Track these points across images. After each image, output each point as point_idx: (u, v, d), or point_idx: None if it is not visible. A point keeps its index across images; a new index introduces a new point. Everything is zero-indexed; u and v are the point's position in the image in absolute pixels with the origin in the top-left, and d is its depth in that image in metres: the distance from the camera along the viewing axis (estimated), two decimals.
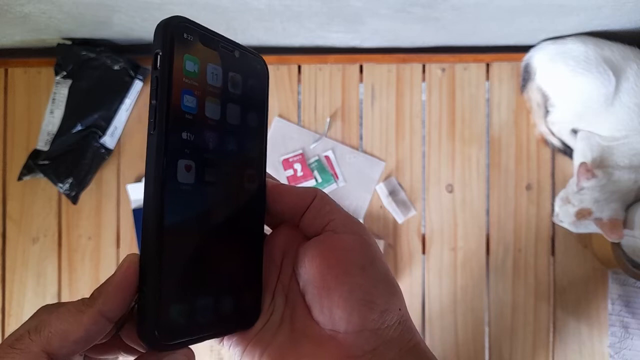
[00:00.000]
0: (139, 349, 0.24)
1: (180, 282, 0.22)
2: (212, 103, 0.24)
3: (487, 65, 0.81)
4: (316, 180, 0.80)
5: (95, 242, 0.81)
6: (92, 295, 0.22)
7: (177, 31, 0.22)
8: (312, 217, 0.26)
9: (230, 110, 0.25)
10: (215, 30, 0.24)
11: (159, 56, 0.22)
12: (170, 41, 0.22)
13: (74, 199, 0.78)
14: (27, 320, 0.22)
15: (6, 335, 0.79)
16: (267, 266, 0.27)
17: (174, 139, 0.22)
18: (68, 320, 0.21)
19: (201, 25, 0.24)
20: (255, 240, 0.26)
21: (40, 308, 0.23)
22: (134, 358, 0.24)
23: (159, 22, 0.22)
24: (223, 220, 0.24)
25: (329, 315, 0.24)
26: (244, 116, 0.26)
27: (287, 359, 0.24)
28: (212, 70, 0.24)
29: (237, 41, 0.25)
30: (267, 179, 0.27)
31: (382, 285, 0.25)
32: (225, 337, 0.27)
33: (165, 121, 0.22)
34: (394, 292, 0.25)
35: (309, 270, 0.25)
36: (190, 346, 0.24)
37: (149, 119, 0.22)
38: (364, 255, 0.25)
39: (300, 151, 0.81)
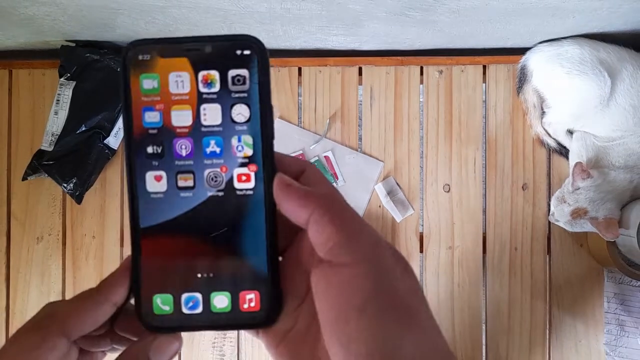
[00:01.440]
0: (130, 338, 0.26)
1: (162, 276, 0.25)
2: (180, 111, 0.24)
3: (484, 67, 0.82)
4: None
5: (99, 241, 0.82)
6: (99, 285, 0.25)
7: (130, 56, 0.24)
8: (312, 239, 0.24)
9: (206, 112, 0.24)
10: (183, 36, 0.25)
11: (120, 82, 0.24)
12: (124, 68, 0.24)
13: (78, 199, 0.79)
14: (34, 315, 0.25)
15: (11, 334, 0.80)
16: (295, 270, 0.25)
17: (140, 155, 0.24)
18: (80, 304, 0.24)
19: (163, 39, 0.24)
20: (260, 239, 0.25)
21: (45, 305, 0.25)
22: (123, 347, 0.26)
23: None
24: (211, 221, 0.25)
25: (331, 354, 0.22)
26: (227, 113, 0.25)
27: None
28: (175, 79, 0.24)
29: (220, 34, 0.25)
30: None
31: (387, 324, 0.21)
32: (259, 334, 0.26)
33: (127, 141, 0.24)
34: (405, 332, 0.21)
35: (315, 300, 0.23)
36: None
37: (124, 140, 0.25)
38: (364, 291, 0.21)
39: (301, 151, 0.82)
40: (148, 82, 0.24)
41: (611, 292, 0.79)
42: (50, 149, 0.79)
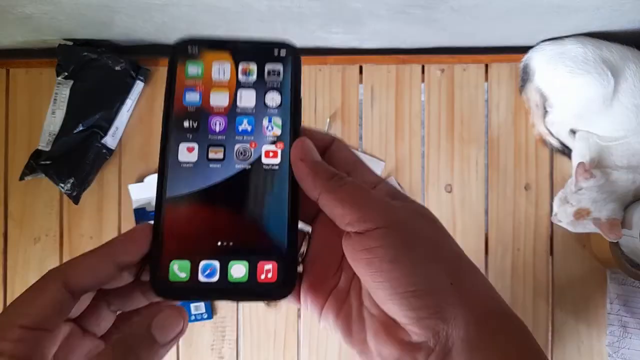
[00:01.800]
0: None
1: (182, 243, 0.25)
2: (218, 93, 0.27)
3: (486, 66, 0.81)
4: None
5: (96, 241, 0.81)
6: (106, 243, 0.25)
7: (179, 46, 0.28)
8: (327, 213, 0.26)
9: (242, 95, 0.27)
10: (233, 35, 0.28)
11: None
12: (172, 55, 0.28)
13: (76, 199, 0.78)
14: None
15: None
16: (330, 235, 0.27)
17: (176, 128, 0.27)
18: (82, 259, 0.24)
19: (212, 37, 0.28)
20: (282, 212, 0.26)
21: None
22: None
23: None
24: (237, 193, 0.26)
25: (384, 307, 0.24)
26: (261, 97, 0.28)
27: (356, 332, 0.25)
28: (217, 67, 0.28)
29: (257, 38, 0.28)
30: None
31: (422, 266, 0.23)
32: (301, 302, 0.27)
33: (166, 115, 0.27)
34: (440, 266, 0.24)
35: (353, 268, 0.25)
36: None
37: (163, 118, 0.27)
38: (392, 247, 0.23)
39: None
40: (193, 68, 0.28)
41: (614, 293, 0.79)
42: (48, 148, 0.78)
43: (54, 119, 0.79)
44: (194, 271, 0.25)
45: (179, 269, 0.25)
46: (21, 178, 0.79)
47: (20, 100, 0.82)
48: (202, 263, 0.25)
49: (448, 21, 0.69)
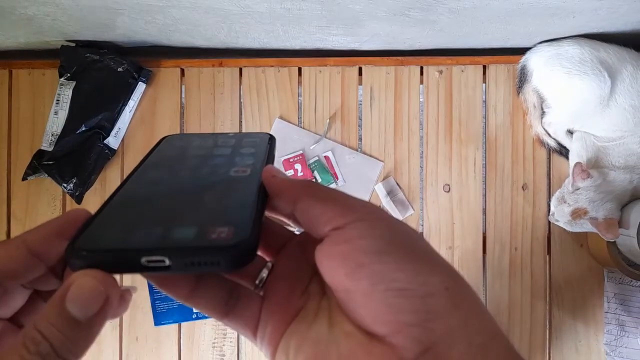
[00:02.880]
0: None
1: (121, 216, 0.23)
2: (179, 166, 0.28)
3: (484, 67, 0.82)
4: (316, 180, 0.81)
5: None
6: (26, 231, 0.22)
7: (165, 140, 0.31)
8: (302, 222, 0.23)
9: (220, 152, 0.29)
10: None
11: None
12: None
13: (78, 199, 0.79)
14: None
15: None
16: (301, 251, 0.25)
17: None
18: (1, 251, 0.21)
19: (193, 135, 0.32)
20: (246, 198, 0.24)
21: None
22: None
23: None
24: (194, 180, 0.26)
25: (360, 319, 0.20)
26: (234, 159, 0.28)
27: (327, 354, 0.20)
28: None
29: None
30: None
31: (412, 262, 0.20)
32: (258, 334, 0.23)
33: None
34: (433, 268, 0.20)
35: (323, 276, 0.22)
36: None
37: None
38: (376, 237, 0.20)
39: (301, 151, 0.82)
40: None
41: (611, 292, 0.79)
42: (50, 149, 0.79)
43: (56, 120, 0.79)
44: (126, 237, 0.21)
45: (108, 236, 0.21)
46: (24, 178, 0.80)
47: (23, 101, 0.83)
48: (139, 231, 0.21)
49: (446, 23, 0.69)
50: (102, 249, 0.20)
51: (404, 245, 0.21)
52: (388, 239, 0.20)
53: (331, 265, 0.21)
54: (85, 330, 0.18)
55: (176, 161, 0.28)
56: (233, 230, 0.21)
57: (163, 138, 0.31)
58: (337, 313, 0.22)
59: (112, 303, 0.19)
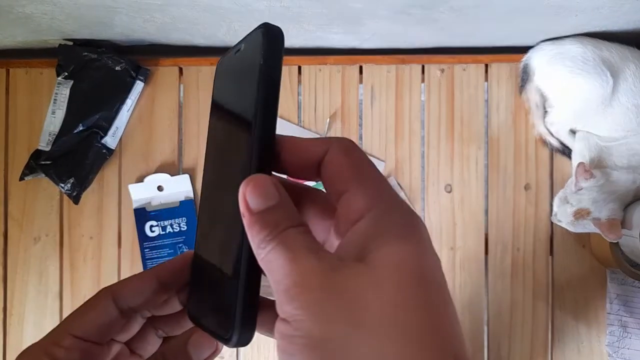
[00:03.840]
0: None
1: (198, 274, 0.26)
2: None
3: (486, 66, 0.81)
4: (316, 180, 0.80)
5: (96, 241, 0.81)
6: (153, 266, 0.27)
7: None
8: (328, 187, 0.20)
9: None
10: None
11: None
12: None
13: (76, 199, 0.79)
14: None
15: (8, 335, 0.80)
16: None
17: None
18: (130, 279, 0.26)
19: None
20: (237, 248, 0.21)
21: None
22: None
23: None
24: (218, 224, 0.25)
25: None
26: (236, 109, 0.24)
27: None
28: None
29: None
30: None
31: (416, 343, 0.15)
32: None
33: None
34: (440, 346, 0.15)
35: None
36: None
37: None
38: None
39: None
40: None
41: (614, 293, 0.79)
42: (48, 148, 0.78)
43: (54, 119, 0.79)
44: (199, 301, 0.25)
45: (199, 300, 0.25)
46: (21, 178, 0.79)
47: (20, 100, 0.82)
48: (200, 294, 0.25)
49: (448, 21, 0.69)
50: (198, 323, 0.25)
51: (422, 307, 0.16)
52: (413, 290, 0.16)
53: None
54: None
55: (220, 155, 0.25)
56: (228, 311, 0.21)
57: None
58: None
59: (219, 351, 0.26)
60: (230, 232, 0.22)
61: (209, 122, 0.27)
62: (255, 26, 0.23)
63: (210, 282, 0.25)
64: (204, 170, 0.27)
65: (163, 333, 0.27)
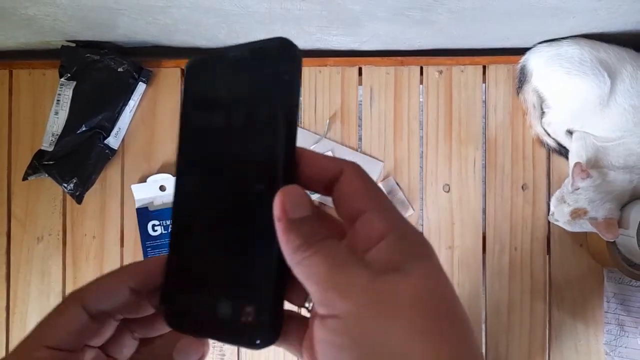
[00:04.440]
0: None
1: (181, 278, 0.25)
2: (218, 112, 0.25)
3: (484, 67, 0.82)
4: (326, 195, 0.81)
5: (99, 241, 0.82)
6: (121, 266, 0.26)
7: (189, 68, 0.27)
8: (341, 205, 0.22)
9: (235, 114, 0.24)
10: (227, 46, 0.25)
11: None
12: (186, 78, 0.27)
13: (79, 199, 0.79)
14: None
15: (11, 334, 0.81)
16: None
17: (189, 150, 0.26)
18: (98, 282, 0.25)
19: (206, 57, 0.26)
20: (267, 250, 0.23)
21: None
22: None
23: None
24: (232, 228, 0.24)
25: None
26: (251, 116, 0.24)
27: None
28: (219, 84, 0.26)
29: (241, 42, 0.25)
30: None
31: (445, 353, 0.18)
32: (304, 354, 0.23)
33: (181, 142, 0.26)
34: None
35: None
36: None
37: None
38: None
39: None
40: (198, 87, 0.27)
41: (611, 292, 0.79)
42: (51, 149, 0.79)
43: (57, 120, 0.80)
44: (191, 307, 0.24)
45: (184, 303, 0.24)
46: (24, 178, 0.80)
47: (23, 101, 0.83)
48: (198, 299, 0.24)
49: (446, 23, 0.69)
50: (192, 327, 0.24)
51: (441, 331, 0.19)
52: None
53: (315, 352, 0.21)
54: None
55: (209, 151, 0.25)
56: (255, 310, 0.22)
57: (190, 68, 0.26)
58: None
59: (205, 357, 0.25)
60: (250, 238, 0.23)
61: (188, 122, 0.26)
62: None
63: (213, 288, 0.24)
64: (182, 172, 0.25)
65: (139, 335, 0.27)
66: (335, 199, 0.23)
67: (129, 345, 0.26)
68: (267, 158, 0.23)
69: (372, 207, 0.22)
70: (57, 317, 0.24)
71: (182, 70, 0.83)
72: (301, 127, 0.83)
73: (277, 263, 0.22)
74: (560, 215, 0.71)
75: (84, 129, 0.78)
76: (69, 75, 0.79)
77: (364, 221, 0.22)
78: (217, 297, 0.24)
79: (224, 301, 0.23)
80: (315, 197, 0.81)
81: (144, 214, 0.81)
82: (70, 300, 0.24)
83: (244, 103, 0.24)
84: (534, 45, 0.78)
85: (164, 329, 0.26)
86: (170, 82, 0.83)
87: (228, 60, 0.25)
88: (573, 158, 0.76)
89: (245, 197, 0.23)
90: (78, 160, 0.78)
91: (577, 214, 0.69)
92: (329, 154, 0.81)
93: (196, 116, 0.26)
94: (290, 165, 0.23)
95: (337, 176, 0.23)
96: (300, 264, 0.21)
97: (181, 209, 0.25)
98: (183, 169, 0.26)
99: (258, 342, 0.22)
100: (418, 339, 0.18)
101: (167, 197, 0.81)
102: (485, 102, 0.82)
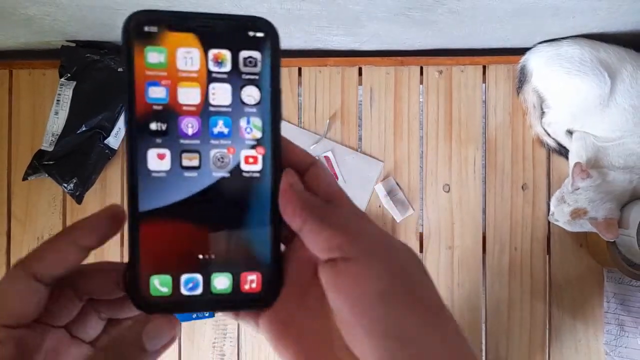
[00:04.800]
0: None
1: (161, 258, 0.24)
2: (188, 88, 0.23)
3: (484, 67, 0.82)
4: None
5: None
6: (68, 226, 0.24)
7: (135, 27, 0.23)
8: (308, 244, 0.24)
9: (215, 91, 0.24)
10: (194, 11, 0.23)
11: (123, 55, 0.23)
12: (127, 39, 0.23)
13: (79, 199, 0.79)
14: None
15: None
16: (300, 260, 0.25)
17: (142, 131, 0.23)
18: (44, 246, 0.23)
19: (170, 12, 0.23)
20: (265, 222, 0.25)
21: None
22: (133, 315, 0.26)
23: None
24: (216, 204, 0.24)
25: (351, 345, 0.22)
26: (237, 93, 0.24)
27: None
28: (184, 55, 0.23)
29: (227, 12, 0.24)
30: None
31: (416, 312, 0.21)
32: (260, 328, 0.25)
33: (129, 117, 0.23)
34: (435, 321, 0.21)
35: (328, 298, 0.23)
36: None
37: (124, 116, 0.24)
38: (385, 280, 0.21)
39: None
40: (154, 56, 0.23)
41: (611, 292, 0.79)
42: (51, 149, 0.79)
43: (57, 120, 0.79)
44: (175, 285, 0.24)
45: (160, 284, 0.24)
46: (24, 178, 0.80)
47: (23, 101, 0.83)
48: (184, 277, 0.24)
49: (446, 23, 0.69)
50: (163, 300, 0.24)
51: (410, 291, 0.22)
52: (396, 283, 0.21)
53: (335, 296, 0.22)
54: (149, 358, 0.23)
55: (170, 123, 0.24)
56: (260, 277, 0.25)
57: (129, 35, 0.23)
58: (334, 334, 0.23)
59: (175, 339, 0.24)
60: (243, 213, 0.25)
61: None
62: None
63: (206, 263, 0.24)
64: (144, 141, 0.23)
65: (106, 316, 0.26)
66: (307, 183, 0.26)
67: (94, 326, 0.25)
68: (256, 137, 0.25)
69: (340, 197, 0.25)
70: (7, 292, 0.22)
71: None
72: (301, 127, 0.83)
73: (274, 231, 0.25)
74: (561, 215, 0.72)
75: (84, 129, 0.78)
76: (69, 75, 0.79)
77: (336, 206, 0.25)
78: (208, 271, 0.24)
79: (219, 275, 0.24)
80: None
81: None
82: (17, 270, 0.22)
83: (218, 79, 0.24)
84: (534, 45, 0.78)
85: (131, 309, 0.25)
86: None
87: (205, 30, 0.24)
88: (573, 158, 0.76)
89: (235, 175, 0.24)
90: (78, 160, 0.78)
91: (577, 214, 0.69)
92: (329, 154, 0.81)
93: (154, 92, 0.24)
94: (280, 146, 0.25)
95: (308, 166, 0.26)
96: (325, 215, 0.23)
97: (147, 184, 0.24)
98: (145, 141, 0.24)
99: (272, 299, 0.25)
100: (423, 273, 0.23)
101: None
102: (485, 102, 0.82)
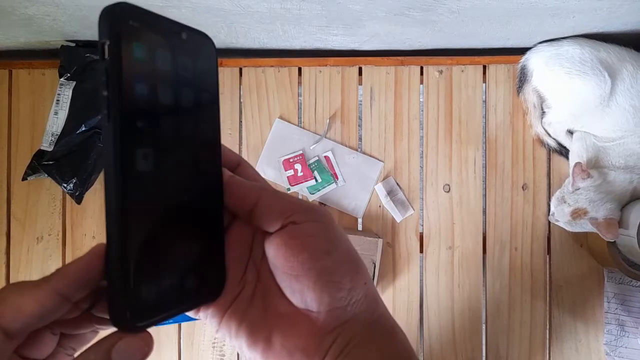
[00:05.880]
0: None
1: (146, 264, 0.22)
2: (164, 88, 0.23)
3: (484, 67, 0.82)
4: (316, 180, 0.81)
5: (99, 240, 0.82)
6: (52, 273, 0.22)
7: (123, 18, 0.22)
8: (262, 215, 0.27)
9: (183, 94, 0.25)
10: (163, 15, 0.24)
11: (106, 46, 0.21)
12: (118, 29, 0.21)
13: (78, 199, 0.79)
14: None
15: None
16: (239, 242, 0.28)
17: (130, 129, 0.22)
18: (24, 294, 0.21)
19: (146, 10, 0.23)
20: (215, 217, 0.27)
21: (4, 286, 0.22)
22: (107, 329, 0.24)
23: (102, 9, 0.21)
24: (183, 202, 0.25)
25: (300, 298, 0.26)
26: (196, 98, 0.25)
27: (260, 333, 0.26)
28: (160, 55, 0.23)
29: (186, 24, 0.25)
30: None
31: (347, 265, 0.27)
32: (201, 310, 0.27)
33: (119, 112, 0.21)
34: (358, 270, 0.27)
35: (276, 258, 0.26)
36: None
37: (102, 111, 0.21)
38: (327, 240, 0.27)
39: (301, 152, 0.82)
40: (139, 51, 0.22)
41: (611, 292, 0.79)
42: (50, 149, 0.79)
43: (56, 120, 0.79)
44: (159, 291, 0.23)
45: (146, 293, 0.22)
46: (24, 178, 0.80)
47: (22, 101, 0.83)
48: (166, 280, 0.24)
49: (446, 23, 0.69)
50: (147, 321, 0.23)
51: (344, 250, 0.27)
52: (336, 243, 0.27)
53: (288, 252, 0.26)
54: None
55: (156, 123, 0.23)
56: (209, 273, 0.26)
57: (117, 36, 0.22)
58: (271, 297, 0.27)
59: (147, 356, 0.23)
60: (196, 214, 0.26)
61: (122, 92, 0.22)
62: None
63: (174, 268, 0.24)
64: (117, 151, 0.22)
65: (58, 332, 0.24)
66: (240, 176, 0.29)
67: (48, 344, 0.24)
68: (208, 140, 0.27)
69: (266, 192, 0.28)
70: None
71: None
72: (301, 127, 0.82)
73: (221, 228, 0.27)
74: (561, 216, 0.71)
75: (83, 129, 0.78)
76: (68, 75, 0.79)
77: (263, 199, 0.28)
78: (181, 273, 0.25)
79: (189, 275, 0.25)
80: (316, 197, 0.81)
81: None
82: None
83: (184, 83, 0.25)
84: (535, 45, 0.77)
85: (90, 325, 0.25)
86: None
87: (169, 36, 0.24)
88: (573, 158, 0.76)
89: (194, 175, 0.26)
90: (78, 161, 0.78)
91: (577, 214, 0.69)
92: (329, 154, 0.81)
93: (134, 88, 0.23)
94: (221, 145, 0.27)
95: (236, 164, 0.30)
96: (275, 192, 0.27)
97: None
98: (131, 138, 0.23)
99: (217, 293, 0.26)
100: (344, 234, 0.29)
101: None
102: (485, 102, 0.82)
